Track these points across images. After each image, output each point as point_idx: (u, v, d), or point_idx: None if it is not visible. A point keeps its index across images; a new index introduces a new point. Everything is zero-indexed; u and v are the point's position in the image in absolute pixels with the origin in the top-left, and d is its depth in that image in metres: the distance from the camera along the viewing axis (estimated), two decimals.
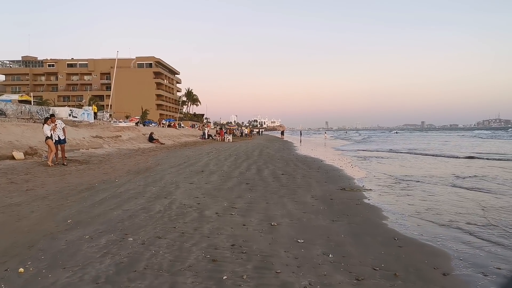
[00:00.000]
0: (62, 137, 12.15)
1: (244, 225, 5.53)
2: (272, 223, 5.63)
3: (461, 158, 19.86)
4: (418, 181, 10.76)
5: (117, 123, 40.81)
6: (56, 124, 12.07)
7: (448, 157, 20.80)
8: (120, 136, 23.02)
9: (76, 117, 30.00)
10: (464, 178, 11.66)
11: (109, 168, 11.96)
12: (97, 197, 7.31)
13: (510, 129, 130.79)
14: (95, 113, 36.40)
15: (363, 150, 28.31)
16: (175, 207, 6.57)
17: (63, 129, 12.40)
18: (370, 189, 9.14)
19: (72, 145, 16.20)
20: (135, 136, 25.45)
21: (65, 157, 12.51)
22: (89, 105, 70.35)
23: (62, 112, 28.93)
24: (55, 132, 11.94)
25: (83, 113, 31.98)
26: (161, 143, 26.47)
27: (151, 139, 26.41)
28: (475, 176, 12.04)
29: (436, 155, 21.94)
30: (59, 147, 12.10)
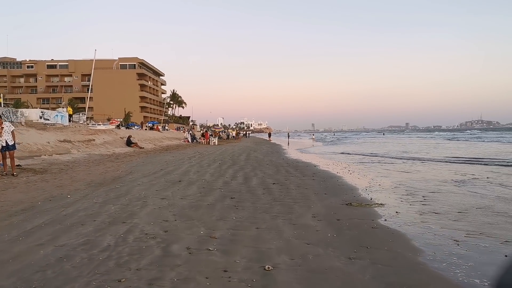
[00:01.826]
0: (10, 143, 10.22)
1: (225, 270, 3.79)
2: (266, 267, 3.91)
3: (447, 162, 18.56)
4: (433, 192, 9.18)
5: (96, 125, 38.60)
6: (3, 127, 10.16)
7: (436, 161, 19.44)
8: (94, 140, 20.97)
9: (48, 119, 27.69)
10: (470, 184, 10.20)
11: (68, 179, 10.08)
12: (30, 224, 5.48)
13: (468, 131, 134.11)
14: (70, 115, 34.05)
15: (359, 154, 26.92)
16: (132, 239, 4.79)
17: (12, 132, 10.47)
18: (382, 204, 7.50)
19: (32, 150, 14.19)
20: (111, 140, 23.42)
21: (16, 165, 10.58)
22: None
23: (32, 114, 26.67)
24: (2, 137, 10.03)
25: (56, 115, 29.65)
26: (140, 147, 24.48)
27: (129, 143, 24.41)
28: (477, 180, 10.56)
29: (423, 159, 20.60)
30: (8, 154, 10.18)
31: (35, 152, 14.17)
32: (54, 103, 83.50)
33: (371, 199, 8.13)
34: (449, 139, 56.58)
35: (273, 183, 10.23)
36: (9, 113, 22.65)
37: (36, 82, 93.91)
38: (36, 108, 39.50)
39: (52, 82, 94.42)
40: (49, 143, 15.94)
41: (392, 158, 21.81)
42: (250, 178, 11.39)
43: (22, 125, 22.84)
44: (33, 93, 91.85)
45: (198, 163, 15.87)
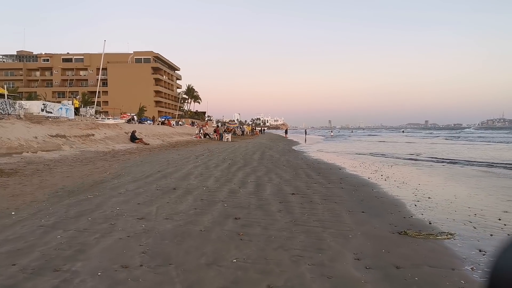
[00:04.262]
0: None
1: None
2: None
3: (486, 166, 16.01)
4: (507, 211, 6.84)
5: (105, 119, 37.03)
6: None
7: (474, 164, 16.88)
8: (93, 135, 19.07)
9: (51, 112, 26.02)
10: None
11: (35, 184, 8.08)
12: None
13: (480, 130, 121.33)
14: (76, 109, 32.42)
15: (387, 155, 24.52)
16: None
17: None
18: (451, 234, 5.22)
19: (12, 147, 12.29)
20: (113, 135, 21.52)
21: None
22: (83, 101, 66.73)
23: (34, 106, 25.01)
24: None
25: (61, 108, 27.95)
26: (145, 143, 22.53)
27: (133, 138, 22.48)
28: None
29: (460, 161, 18.04)
30: None
31: (15, 148, 12.27)
32: (69, 97, 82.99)
33: (429, 223, 5.85)
34: (446, 139, 53.78)
35: (292, 194, 8.04)
36: (5, 104, 20.96)
37: (52, 75, 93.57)
38: (57, 102, 37.96)
39: (68, 75, 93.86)
40: (36, 138, 14.04)
41: (426, 160, 19.34)
42: (263, 185, 9.22)
43: (21, 118, 21.21)
44: (49, 86, 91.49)
45: (204, 163, 13.76)
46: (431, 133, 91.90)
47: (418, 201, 7.72)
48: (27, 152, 12.08)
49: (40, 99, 45.89)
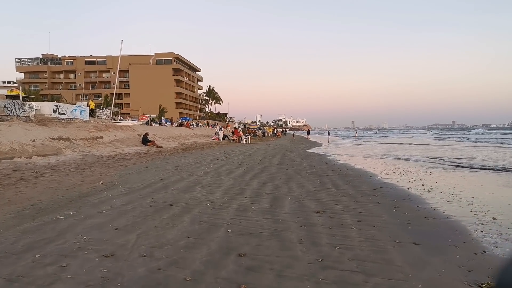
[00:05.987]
0: None
1: None
2: None
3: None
4: None
5: (122, 121, 36.18)
6: None
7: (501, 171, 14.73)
8: (101, 137, 17.84)
9: (64, 114, 25.11)
10: None
11: (6, 198, 6.71)
12: None
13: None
14: (92, 110, 31.58)
15: (418, 158, 22.51)
16: None
17: None
18: None
19: (1, 151, 11.05)
20: (124, 138, 20.28)
21: None
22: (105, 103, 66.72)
23: (45, 107, 24.15)
24: None
25: (75, 110, 27.05)
26: (158, 146, 21.21)
27: (145, 141, 21.21)
28: None
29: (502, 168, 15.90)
30: None
31: (5, 153, 11.03)
32: (91, 99, 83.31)
33: None
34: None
35: (317, 212, 6.38)
36: (14, 105, 20.06)
37: (75, 78, 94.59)
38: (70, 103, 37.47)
39: (91, 78, 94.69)
40: (34, 141, 12.82)
41: (465, 166, 17.27)
42: (281, 198, 7.59)
43: (30, 120, 20.30)
44: (72, 89, 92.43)
45: (217, 170, 12.24)
46: (437, 133, 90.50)
47: (482, 224, 5.93)
48: (20, 157, 10.88)
49: (62, 101, 45.66)
